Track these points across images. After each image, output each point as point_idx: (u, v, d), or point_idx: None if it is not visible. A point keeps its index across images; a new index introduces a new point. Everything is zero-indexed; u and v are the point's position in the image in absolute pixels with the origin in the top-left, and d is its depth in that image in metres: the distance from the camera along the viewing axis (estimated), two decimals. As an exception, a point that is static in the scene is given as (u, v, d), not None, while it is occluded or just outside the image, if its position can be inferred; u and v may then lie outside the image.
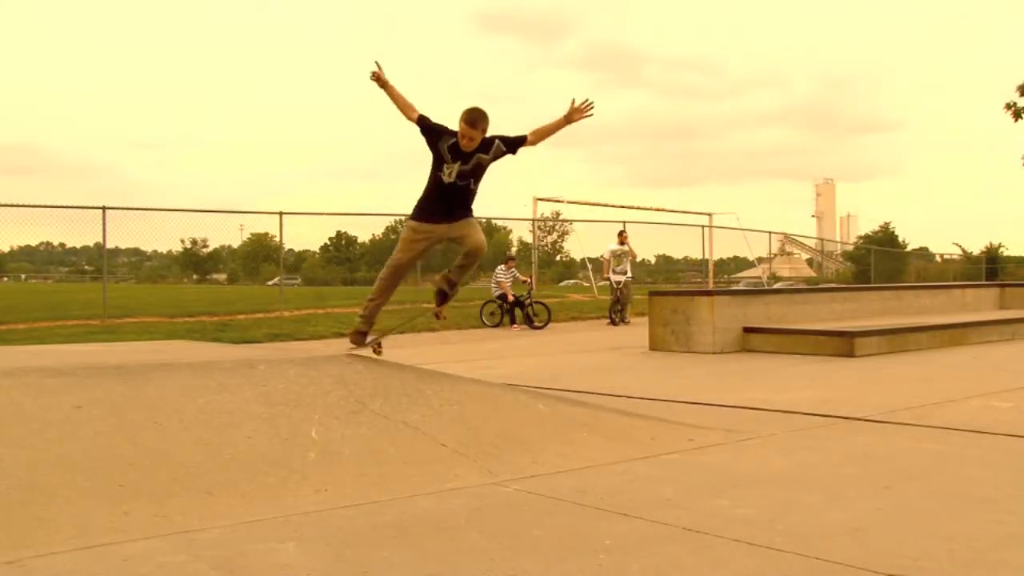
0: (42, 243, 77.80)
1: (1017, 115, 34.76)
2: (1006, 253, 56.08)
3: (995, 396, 7.18)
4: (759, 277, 41.44)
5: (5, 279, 57.58)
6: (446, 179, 5.79)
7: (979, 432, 5.61)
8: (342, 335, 15.99)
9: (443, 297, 6.24)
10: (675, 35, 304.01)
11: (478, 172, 5.86)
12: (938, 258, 58.63)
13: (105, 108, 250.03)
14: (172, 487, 3.90)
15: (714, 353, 10.88)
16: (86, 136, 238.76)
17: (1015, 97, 34.53)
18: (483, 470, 4.49)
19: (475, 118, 5.68)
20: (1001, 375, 8.79)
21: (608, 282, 19.53)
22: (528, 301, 18.41)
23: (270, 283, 46.69)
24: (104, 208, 18.18)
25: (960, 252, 56.99)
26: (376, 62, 5.86)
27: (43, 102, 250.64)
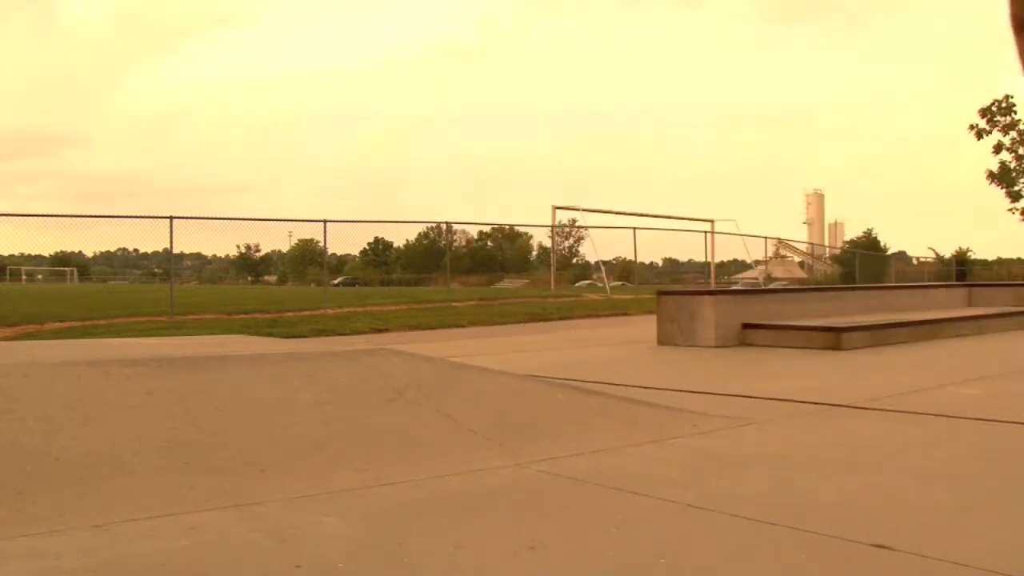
0: (119, 248, 78.65)
1: (979, 135, 34.87)
2: (973, 256, 55.78)
3: (964, 384, 7.13)
4: (756, 278, 41.15)
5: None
6: None
7: (949, 417, 5.58)
8: (380, 331, 16.12)
9: None
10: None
11: None
12: (915, 261, 58.18)
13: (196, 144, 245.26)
14: (230, 465, 3.93)
15: (716, 347, 10.81)
16: (175, 165, 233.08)
17: (977, 119, 34.69)
18: (508, 453, 4.49)
19: None
20: (969, 366, 8.74)
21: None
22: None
23: (334, 282, 47.05)
24: (171, 218, 18.47)
25: (934, 256, 56.61)
26: None
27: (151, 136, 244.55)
